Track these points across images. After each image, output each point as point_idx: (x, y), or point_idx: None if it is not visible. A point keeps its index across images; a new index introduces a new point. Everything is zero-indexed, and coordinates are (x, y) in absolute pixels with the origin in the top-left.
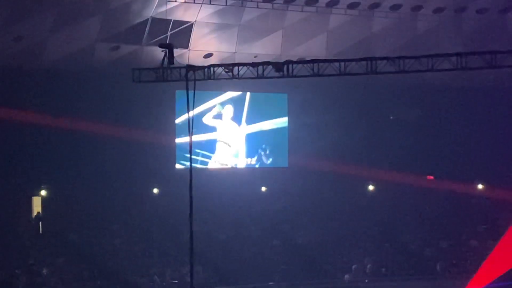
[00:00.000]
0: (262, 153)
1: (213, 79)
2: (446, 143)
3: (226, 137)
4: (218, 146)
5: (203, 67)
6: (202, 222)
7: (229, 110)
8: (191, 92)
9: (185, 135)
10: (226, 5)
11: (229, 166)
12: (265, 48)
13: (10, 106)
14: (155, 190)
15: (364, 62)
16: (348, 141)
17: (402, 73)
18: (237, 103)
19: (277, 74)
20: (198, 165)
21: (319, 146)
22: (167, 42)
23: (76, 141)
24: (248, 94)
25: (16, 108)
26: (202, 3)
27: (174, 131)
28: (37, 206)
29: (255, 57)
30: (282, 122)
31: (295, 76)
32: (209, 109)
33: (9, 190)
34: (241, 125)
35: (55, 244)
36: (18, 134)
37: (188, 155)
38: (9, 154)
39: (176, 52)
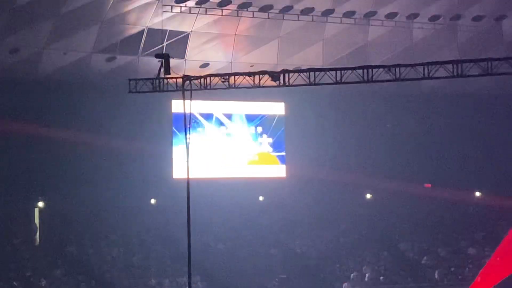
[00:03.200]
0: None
1: (210, 88)
2: (443, 151)
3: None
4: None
5: (199, 77)
6: (199, 232)
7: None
8: (187, 102)
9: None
10: (222, 15)
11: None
12: (261, 57)
13: (6, 118)
14: (153, 201)
15: (360, 71)
16: (346, 150)
17: (398, 81)
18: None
19: (273, 83)
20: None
21: (317, 155)
22: (163, 52)
23: (73, 152)
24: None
25: (12, 120)
26: (198, 13)
27: (171, 141)
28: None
29: (251, 66)
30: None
31: (292, 85)
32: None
33: (6, 202)
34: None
35: (53, 255)
36: (14, 146)
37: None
38: (5, 166)
39: (172, 62)
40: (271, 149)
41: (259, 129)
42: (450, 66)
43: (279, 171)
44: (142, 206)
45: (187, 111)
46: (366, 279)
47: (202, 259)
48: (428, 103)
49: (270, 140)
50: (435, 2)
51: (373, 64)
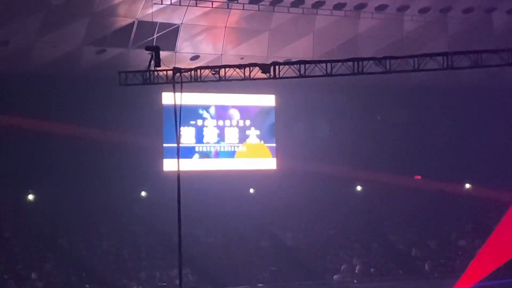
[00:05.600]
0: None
1: (200, 81)
2: (433, 143)
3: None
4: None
5: (189, 70)
6: (190, 225)
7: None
8: (178, 94)
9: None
10: (212, 7)
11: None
12: (251, 49)
13: None
14: (143, 193)
15: (350, 63)
16: (336, 142)
17: (388, 73)
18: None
19: (264, 75)
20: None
21: (307, 147)
22: (154, 44)
23: (64, 145)
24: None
25: (2, 112)
26: (188, 5)
27: (161, 133)
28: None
29: (241, 58)
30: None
31: (282, 78)
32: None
33: None
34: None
35: (43, 248)
36: (4, 139)
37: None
38: None
39: (163, 54)
40: (258, 140)
41: (248, 121)
42: (440, 58)
43: (269, 163)
44: (133, 199)
45: (178, 104)
46: (356, 271)
47: (192, 251)
48: (419, 95)
49: (258, 132)
50: None
51: (363, 57)
